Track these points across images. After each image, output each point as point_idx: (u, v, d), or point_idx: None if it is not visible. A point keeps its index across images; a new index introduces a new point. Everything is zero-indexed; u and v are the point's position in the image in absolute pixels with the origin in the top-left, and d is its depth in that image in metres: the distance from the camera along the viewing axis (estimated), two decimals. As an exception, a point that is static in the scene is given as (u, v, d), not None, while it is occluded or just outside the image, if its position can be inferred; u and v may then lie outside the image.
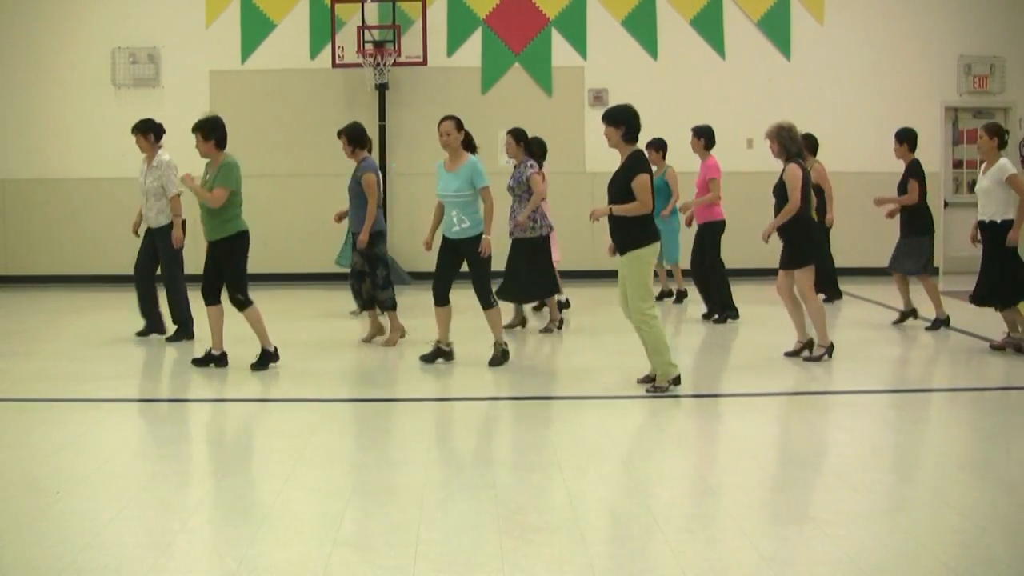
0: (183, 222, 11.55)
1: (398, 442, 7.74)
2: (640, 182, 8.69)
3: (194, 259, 11.10)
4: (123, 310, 12.91)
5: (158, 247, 11.65)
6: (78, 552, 5.33)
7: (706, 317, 12.77)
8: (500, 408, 8.70)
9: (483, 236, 9.96)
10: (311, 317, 13.43)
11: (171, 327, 11.79)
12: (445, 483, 6.47)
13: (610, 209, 8.78)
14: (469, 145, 10.19)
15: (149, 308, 11.91)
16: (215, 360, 10.20)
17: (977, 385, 9.79)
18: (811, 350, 10.33)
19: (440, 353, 10.28)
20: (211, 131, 9.96)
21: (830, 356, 10.23)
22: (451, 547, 5.38)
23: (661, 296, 14.44)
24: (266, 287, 15.90)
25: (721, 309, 12.62)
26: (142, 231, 11.83)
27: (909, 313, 12.40)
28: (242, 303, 9.99)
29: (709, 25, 17.63)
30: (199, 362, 10.19)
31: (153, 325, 11.92)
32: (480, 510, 5.94)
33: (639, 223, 8.79)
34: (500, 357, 10.10)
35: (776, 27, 17.66)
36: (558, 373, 9.75)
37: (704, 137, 12.84)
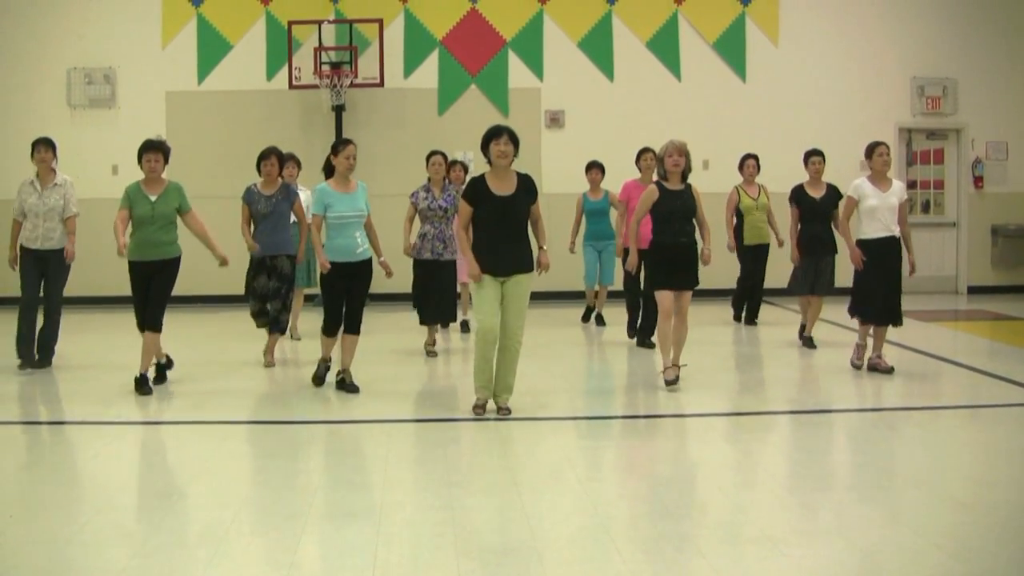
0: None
1: (355, 464, 7.72)
2: (538, 206, 8.96)
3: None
4: (82, 332, 12.82)
5: (52, 269, 11.09)
6: (31, 578, 5.29)
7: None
8: (457, 429, 8.68)
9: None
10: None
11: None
12: (402, 505, 6.45)
13: (545, 252, 8.91)
14: None
15: (38, 337, 11.22)
16: (167, 368, 10.38)
17: (930, 404, 9.87)
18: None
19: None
20: (168, 154, 10.11)
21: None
22: (409, 569, 5.36)
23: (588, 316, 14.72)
24: (219, 308, 15.85)
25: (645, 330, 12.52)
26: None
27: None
28: (160, 326, 9.95)
29: (665, 47, 17.76)
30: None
31: (44, 356, 11.23)
32: (438, 532, 5.93)
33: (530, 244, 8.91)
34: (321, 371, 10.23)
35: (731, 49, 17.81)
36: (513, 394, 9.72)
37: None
